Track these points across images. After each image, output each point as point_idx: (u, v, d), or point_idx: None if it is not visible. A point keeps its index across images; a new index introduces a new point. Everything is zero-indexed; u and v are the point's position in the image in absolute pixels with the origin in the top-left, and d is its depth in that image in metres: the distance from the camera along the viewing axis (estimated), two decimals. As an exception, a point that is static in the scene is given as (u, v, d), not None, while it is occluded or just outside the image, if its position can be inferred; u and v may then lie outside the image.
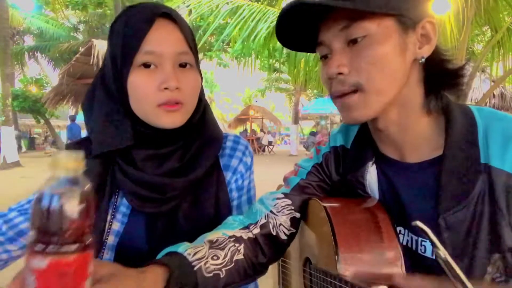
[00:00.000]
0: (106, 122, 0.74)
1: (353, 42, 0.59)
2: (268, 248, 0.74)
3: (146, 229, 0.79)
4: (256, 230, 0.73)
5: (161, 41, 0.71)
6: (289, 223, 0.75)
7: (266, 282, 0.80)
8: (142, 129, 0.75)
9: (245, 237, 0.71)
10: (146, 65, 0.71)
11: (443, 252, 0.41)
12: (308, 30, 0.64)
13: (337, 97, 0.62)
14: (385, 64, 0.58)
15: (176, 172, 0.77)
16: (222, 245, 0.66)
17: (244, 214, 0.80)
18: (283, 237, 0.75)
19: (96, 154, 0.74)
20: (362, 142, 0.51)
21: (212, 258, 0.63)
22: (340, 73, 0.60)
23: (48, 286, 0.35)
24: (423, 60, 0.60)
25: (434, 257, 0.57)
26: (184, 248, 0.61)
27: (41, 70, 22.35)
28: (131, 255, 0.81)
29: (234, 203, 0.86)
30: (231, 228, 0.72)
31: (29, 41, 22.01)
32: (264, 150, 20.84)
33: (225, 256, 0.65)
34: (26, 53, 19.85)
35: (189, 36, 0.76)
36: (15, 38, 20.87)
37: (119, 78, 0.73)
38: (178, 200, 0.78)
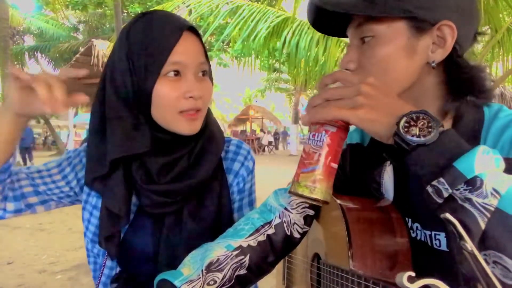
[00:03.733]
0: (124, 129, 0.76)
1: (363, 40, 0.61)
2: (280, 247, 0.74)
3: (152, 227, 0.82)
4: (271, 231, 0.73)
5: (186, 52, 0.75)
6: (302, 221, 0.75)
7: (267, 281, 0.81)
8: (160, 135, 0.78)
9: (254, 244, 0.71)
10: (172, 75, 0.74)
11: (470, 245, 0.42)
12: (338, 21, 0.66)
13: None
14: (387, 65, 0.59)
15: (185, 173, 0.80)
16: (222, 265, 0.67)
17: (258, 210, 0.79)
18: (297, 235, 0.75)
19: (113, 159, 0.75)
20: (380, 142, 0.53)
21: (208, 284, 0.65)
22: (347, 69, 0.63)
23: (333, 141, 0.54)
24: (434, 64, 0.60)
25: (447, 249, 0.59)
26: (180, 283, 0.64)
27: (41, 70, 22.33)
28: (136, 251, 0.83)
29: (235, 205, 0.89)
30: (239, 236, 0.72)
31: (29, 41, 22.01)
32: (264, 150, 20.84)
33: (224, 276, 0.66)
34: (26, 53, 19.84)
35: (204, 47, 0.81)
36: (15, 38, 20.87)
37: (141, 87, 0.74)
38: (185, 200, 0.81)
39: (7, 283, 3.05)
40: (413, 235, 0.65)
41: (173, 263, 0.77)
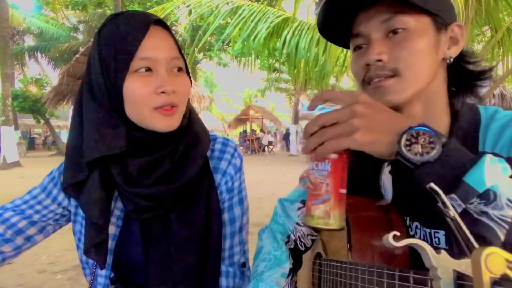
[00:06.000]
0: (99, 129, 0.74)
1: (393, 33, 0.62)
2: (297, 258, 0.84)
3: (141, 232, 0.80)
4: (291, 246, 0.83)
5: (155, 47, 0.73)
6: (312, 231, 0.81)
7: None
8: (136, 134, 0.76)
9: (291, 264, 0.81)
10: (143, 71, 0.72)
11: (452, 212, 0.43)
12: (344, 24, 0.68)
13: (373, 82, 0.65)
14: (422, 56, 0.62)
15: (169, 176, 0.77)
16: None
17: (276, 228, 0.87)
18: (308, 245, 0.83)
19: (90, 160, 0.73)
20: None
21: None
22: (379, 60, 0.63)
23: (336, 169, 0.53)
24: (452, 59, 0.65)
25: (446, 246, 0.60)
26: None
27: (41, 70, 22.36)
28: (128, 257, 0.82)
29: (225, 204, 0.87)
30: (283, 262, 0.79)
31: (29, 41, 22.01)
32: (264, 150, 20.84)
33: None
34: (26, 53, 19.86)
35: (177, 42, 0.79)
36: (15, 38, 20.88)
37: (112, 85, 0.73)
38: (172, 204, 0.79)
39: (7, 283, 3.05)
40: (412, 233, 0.66)
41: (164, 269, 0.77)
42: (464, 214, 0.45)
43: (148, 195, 0.76)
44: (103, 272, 0.81)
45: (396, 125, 0.51)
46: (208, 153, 0.86)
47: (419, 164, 0.47)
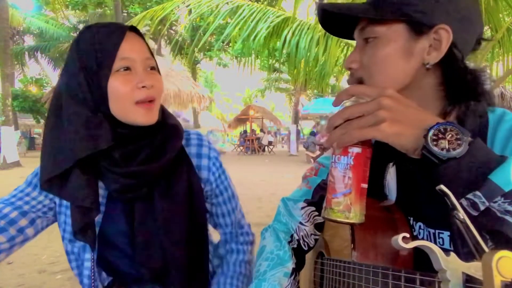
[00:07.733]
0: (85, 128, 0.79)
1: (366, 41, 0.64)
2: (300, 258, 0.84)
3: (124, 214, 0.85)
4: (294, 245, 0.83)
5: (132, 49, 0.82)
6: (315, 230, 0.82)
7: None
8: (120, 130, 0.82)
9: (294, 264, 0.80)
10: (123, 70, 0.80)
11: (462, 214, 0.43)
12: (346, 24, 0.68)
13: None
14: (386, 64, 0.61)
15: (151, 158, 0.84)
16: None
17: (279, 227, 0.87)
18: (312, 244, 0.83)
19: (79, 158, 0.77)
20: (383, 143, 0.53)
21: None
22: (350, 68, 0.65)
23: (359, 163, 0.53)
24: (429, 66, 0.61)
25: (450, 247, 0.59)
26: None
27: (41, 70, 22.36)
28: (113, 241, 0.86)
29: (220, 187, 0.97)
30: (286, 261, 0.79)
31: (29, 41, 22.03)
32: (264, 150, 20.85)
33: None
34: (26, 53, 19.88)
35: (148, 46, 0.89)
36: (15, 38, 20.89)
37: (95, 85, 0.79)
38: (154, 182, 0.84)
39: (7, 283, 3.05)
40: (415, 233, 0.66)
41: (150, 249, 0.82)
42: (486, 212, 0.45)
43: (132, 173, 0.81)
44: (88, 255, 0.87)
45: (424, 120, 0.50)
46: (183, 142, 0.93)
47: (445, 159, 0.47)
